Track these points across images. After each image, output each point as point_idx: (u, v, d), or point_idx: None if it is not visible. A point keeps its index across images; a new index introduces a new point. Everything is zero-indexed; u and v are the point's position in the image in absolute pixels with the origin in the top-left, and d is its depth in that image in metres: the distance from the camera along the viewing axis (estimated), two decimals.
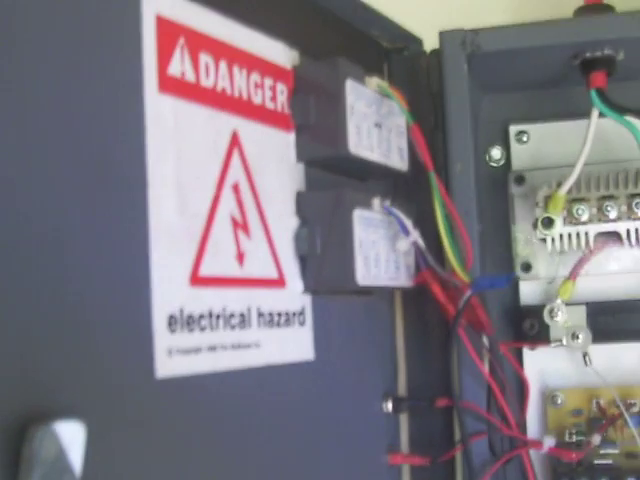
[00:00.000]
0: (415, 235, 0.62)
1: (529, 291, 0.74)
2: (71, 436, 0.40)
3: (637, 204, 0.69)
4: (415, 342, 0.72)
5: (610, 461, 0.71)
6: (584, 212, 0.69)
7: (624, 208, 0.69)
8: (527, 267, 0.74)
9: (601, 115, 0.68)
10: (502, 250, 0.75)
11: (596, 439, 0.70)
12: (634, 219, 0.69)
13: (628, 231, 0.70)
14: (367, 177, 0.66)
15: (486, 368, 0.65)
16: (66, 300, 0.42)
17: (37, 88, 0.42)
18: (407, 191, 0.68)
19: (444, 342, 0.71)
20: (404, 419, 0.71)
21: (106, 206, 0.45)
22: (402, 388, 0.71)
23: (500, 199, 0.76)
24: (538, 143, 0.76)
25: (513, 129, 0.76)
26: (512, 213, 0.75)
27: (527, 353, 0.74)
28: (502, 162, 0.76)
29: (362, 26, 0.69)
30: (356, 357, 0.66)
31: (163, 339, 0.47)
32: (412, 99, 0.65)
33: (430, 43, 0.73)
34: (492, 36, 0.68)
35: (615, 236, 0.70)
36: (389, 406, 0.69)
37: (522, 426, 0.68)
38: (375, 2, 0.68)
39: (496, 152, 0.76)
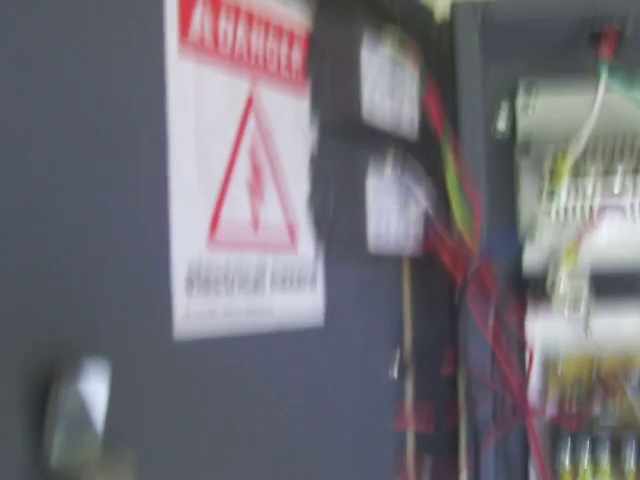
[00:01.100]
0: (425, 202, 0.62)
1: (532, 261, 0.75)
2: (93, 392, 0.41)
3: None
4: (421, 308, 0.73)
5: (609, 429, 0.71)
6: (588, 185, 0.70)
7: (628, 181, 0.70)
8: (530, 237, 0.74)
9: (608, 88, 0.68)
10: (507, 221, 0.75)
11: (597, 407, 0.70)
12: (637, 192, 0.69)
13: (632, 204, 0.70)
14: (378, 144, 0.67)
15: (491, 335, 0.66)
16: (90, 261, 0.43)
17: (58, 52, 0.42)
18: (416, 158, 0.68)
19: (450, 309, 0.71)
20: (409, 385, 0.72)
21: (128, 169, 0.45)
22: (408, 355, 0.72)
23: (505, 169, 0.76)
24: (544, 115, 0.76)
25: (519, 99, 0.76)
26: (517, 184, 0.75)
27: (529, 323, 0.74)
28: (507, 133, 0.76)
29: None
30: (364, 323, 0.66)
31: (181, 301, 0.48)
32: (423, 69, 0.65)
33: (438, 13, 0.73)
34: (503, 7, 0.68)
35: (618, 208, 0.71)
36: (395, 372, 0.69)
37: (525, 393, 0.68)
38: None
39: (502, 123, 0.76)
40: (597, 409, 0.71)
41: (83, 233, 0.42)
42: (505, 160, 0.76)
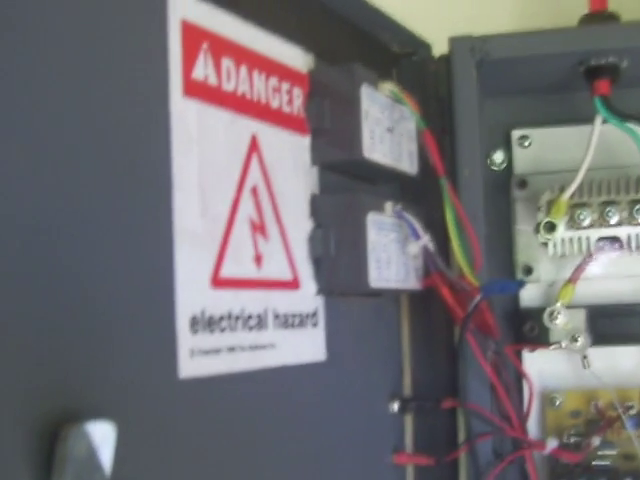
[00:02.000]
0: (425, 239, 0.63)
1: (529, 294, 0.75)
2: (102, 435, 0.41)
3: (638, 210, 0.70)
4: (421, 344, 0.73)
5: (608, 462, 0.72)
6: (586, 217, 0.70)
7: (625, 214, 0.70)
8: (528, 270, 0.75)
9: (604, 122, 0.69)
10: (503, 253, 0.76)
11: (595, 441, 0.71)
12: (635, 224, 0.70)
13: (629, 236, 0.71)
14: (378, 181, 0.67)
15: (491, 370, 0.66)
16: (93, 302, 0.43)
17: (65, 92, 0.42)
18: (415, 195, 0.69)
19: (449, 344, 0.72)
20: (409, 420, 0.72)
21: (132, 209, 0.45)
22: (407, 389, 0.72)
23: (501, 203, 0.76)
24: (540, 148, 0.77)
25: (516, 133, 0.77)
26: (514, 217, 0.75)
27: (526, 355, 0.75)
28: (504, 166, 0.77)
29: (373, 31, 0.69)
30: (364, 358, 0.66)
31: (186, 340, 0.48)
32: (421, 104, 0.66)
33: (436, 49, 0.74)
34: (501, 43, 0.69)
35: (616, 241, 0.71)
36: (395, 407, 0.69)
37: (524, 428, 0.68)
38: (380, 7, 0.68)
39: (498, 156, 0.77)
40: (596, 442, 0.71)
41: (87, 275, 0.43)
42: (501, 194, 0.76)
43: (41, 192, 0.40)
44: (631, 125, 0.68)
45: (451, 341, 0.71)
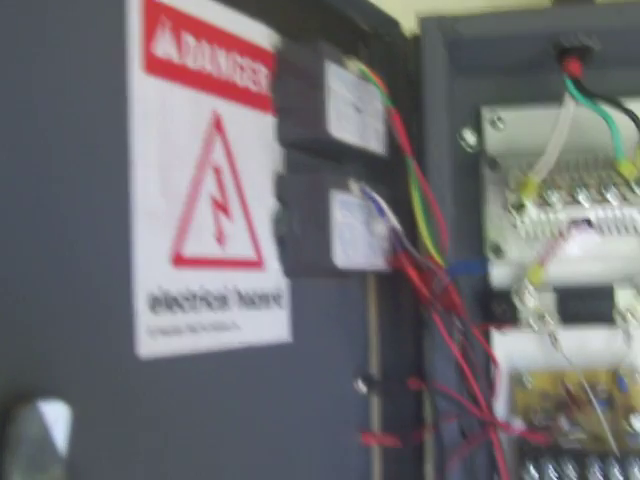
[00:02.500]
0: (392, 218, 0.62)
1: (499, 274, 0.75)
2: (56, 415, 0.41)
3: (608, 190, 0.69)
4: (387, 324, 0.73)
5: (576, 444, 0.72)
6: (557, 198, 0.70)
7: (595, 194, 0.70)
8: (498, 251, 0.74)
9: (575, 103, 0.68)
10: (473, 233, 0.75)
11: (564, 423, 0.71)
12: (605, 206, 0.70)
13: (598, 217, 0.70)
14: (344, 160, 0.67)
15: (458, 351, 0.66)
16: (49, 280, 0.42)
17: (16, 68, 0.42)
18: (382, 175, 0.68)
19: (416, 324, 0.71)
20: (375, 400, 0.72)
21: (90, 186, 0.45)
22: (375, 369, 0.72)
23: (472, 182, 0.76)
24: (512, 129, 0.76)
25: (487, 113, 0.76)
26: (484, 197, 0.75)
27: (496, 336, 0.75)
28: (476, 147, 0.76)
29: (342, 8, 0.69)
30: (330, 339, 0.66)
31: (146, 319, 0.48)
32: (390, 83, 0.65)
33: (405, 27, 0.73)
34: (471, 22, 0.68)
35: (586, 222, 0.71)
36: (362, 387, 0.69)
37: (491, 409, 0.68)
38: None
39: (470, 137, 0.76)
40: (564, 424, 0.71)
41: (43, 252, 0.42)
42: (472, 175, 0.76)
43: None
44: (601, 106, 0.67)
45: (418, 321, 0.71)
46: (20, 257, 0.41)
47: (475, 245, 0.75)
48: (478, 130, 0.77)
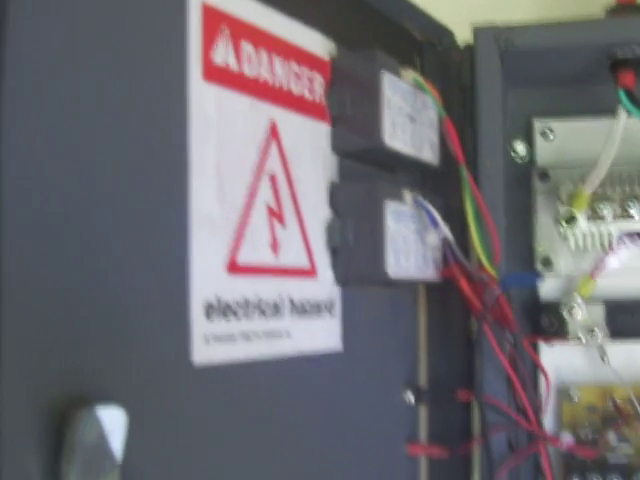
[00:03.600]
0: (445, 229, 0.62)
1: (549, 287, 0.74)
2: (112, 421, 0.41)
3: None
4: (436, 335, 0.73)
5: (623, 459, 0.71)
6: (608, 211, 0.69)
7: None
8: (547, 263, 0.74)
9: (628, 115, 0.68)
10: (523, 245, 0.75)
11: (611, 437, 0.70)
12: None
13: None
14: (397, 169, 0.67)
15: (507, 363, 0.65)
16: (107, 287, 0.43)
17: (82, 76, 0.42)
18: (434, 184, 0.68)
19: (465, 335, 0.71)
20: (423, 411, 0.71)
21: (148, 193, 0.45)
22: (423, 379, 0.72)
23: (522, 193, 0.76)
24: (563, 140, 0.76)
25: (538, 124, 0.76)
26: (534, 208, 0.75)
27: (543, 349, 0.74)
28: (527, 158, 0.76)
29: (396, 18, 0.69)
30: (380, 348, 0.66)
31: (201, 326, 0.48)
32: (443, 93, 0.65)
33: (457, 36, 0.73)
34: (526, 33, 0.68)
35: (637, 235, 0.70)
36: (410, 397, 0.69)
37: (540, 422, 0.68)
38: None
39: (521, 148, 0.76)
40: (612, 438, 0.71)
41: (101, 259, 0.42)
42: (522, 186, 0.75)
43: (58, 178, 0.40)
44: None
45: (467, 332, 0.71)
46: (80, 264, 0.41)
47: (524, 257, 0.75)
48: (529, 141, 0.76)
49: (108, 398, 0.41)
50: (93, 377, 0.42)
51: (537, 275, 0.70)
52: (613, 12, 0.72)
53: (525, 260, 0.75)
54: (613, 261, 0.71)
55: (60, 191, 0.40)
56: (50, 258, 0.40)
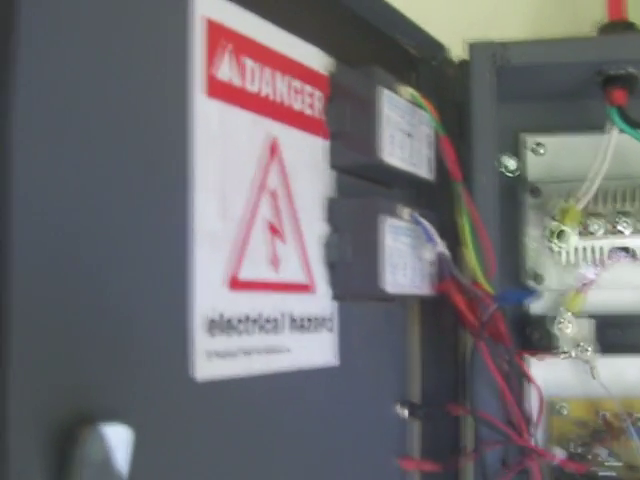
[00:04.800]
0: (441, 244, 0.62)
1: (538, 301, 0.75)
2: (118, 438, 0.41)
3: None
4: (429, 348, 0.73)
5: (613, 473, 0.72)
6: (599, 227, 0.70)
7: (636, 223, 0.70)
8: (537, 278, 0.74)
9: (619, 132, 0.68)
10: (512, 260, 0.75)
11: (602, 452, 0.71)
12: None
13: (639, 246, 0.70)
14: (393, 184, 0.67)
15: (502, 379, 0.65)
16: (110, 304, 0.42)
17: (83, 90, 0.42)
18: (429, 199, 0.68)
19: (456, 350, 0.71)
20: (416, 425, 0.72)
21: (152, 209, 0.45)
22: (415, 394, 0.72)
23: (511, 208, 0.76)
24: (553, 155, 0.76)
25: (530, 140, 0.76)
26: (523, 223, 0.75)
27: (533, 363, 0.74)
28: (517, 173, 0.76)
29: (392, 33, 0.69)
30: (374, 362, 0.66)
31: (203, 342, 0.48)
32: (437, 108, 0.65)
33: (452, 52, 0.74)
34: (520, 50, 0.68)
35: (627, 251, 0.71)
36: (404, 411, 0.69)
37: (533, 436, 0.68)
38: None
39: (512, 162, 0.76)
40: (602, 453, 0.71)
41: (104, 276, 0.42)
42: (511, 201, 0.76)
43: (61, 195, 0.40)
44: None
45: (458, 347, 0.71)
46: (83, 282, 0.41)
47: (514, 271, 0.75)
48: (518, 156, 0.77)
49: (112, 415, 0.41)
50: (98, 395, 0.42)
51: (533, 292, 0.71)
52: (605, 30, 0.73)
53: (514, 275, 0.75)
54: (601, 276, 0.71)
55: (62, 207, 0.40)
56: (54, 277, 0.40)
